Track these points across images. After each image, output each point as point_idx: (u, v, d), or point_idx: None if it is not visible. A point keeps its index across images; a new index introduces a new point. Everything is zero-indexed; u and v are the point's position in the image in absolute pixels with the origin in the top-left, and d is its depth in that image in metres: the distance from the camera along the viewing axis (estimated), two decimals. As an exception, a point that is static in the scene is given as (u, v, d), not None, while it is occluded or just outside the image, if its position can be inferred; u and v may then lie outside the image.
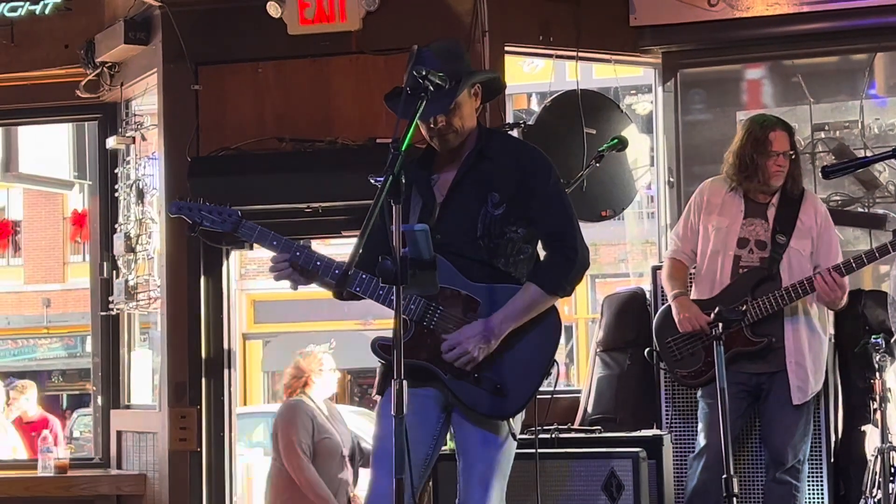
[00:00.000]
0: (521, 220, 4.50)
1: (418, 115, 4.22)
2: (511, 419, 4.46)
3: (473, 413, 4.45)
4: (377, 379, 4.65)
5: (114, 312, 8.09)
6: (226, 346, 7.56)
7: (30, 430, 10.74)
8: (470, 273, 4.43)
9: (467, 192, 4.51)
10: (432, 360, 4.42)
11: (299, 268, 4.50)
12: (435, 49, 4.45)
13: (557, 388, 4.77)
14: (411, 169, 4.18)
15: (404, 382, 3.91)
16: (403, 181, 3.97)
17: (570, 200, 4.62)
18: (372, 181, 4.12)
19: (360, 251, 3.94)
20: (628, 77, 8.57)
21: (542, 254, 4.64)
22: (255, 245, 7.45)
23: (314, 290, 4.84)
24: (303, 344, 7.82)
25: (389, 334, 4.30)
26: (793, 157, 5.99)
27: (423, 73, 4.25)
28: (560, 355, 4.62)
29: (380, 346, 4.48)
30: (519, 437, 4.55)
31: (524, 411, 4.52)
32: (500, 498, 4.50)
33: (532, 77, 11.60)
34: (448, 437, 4.68)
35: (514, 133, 7.18)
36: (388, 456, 4.19)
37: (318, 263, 4.47)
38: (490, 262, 4.48)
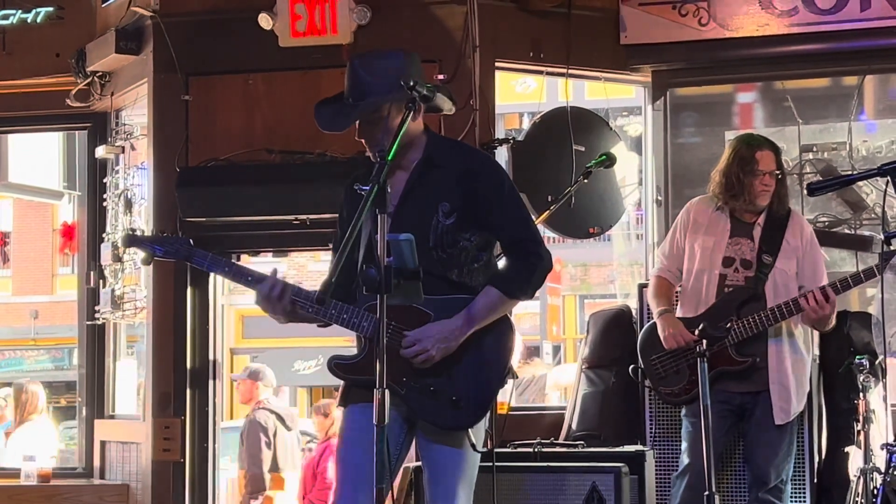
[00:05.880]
0: (474, 228, 4.48)
1: (404, 126, 4.24)
2: (470, 430, 4.45)
3: (433, 427, 4.45)
4: (340, 391, 4.64)
5: (100, 322, 8.08)
6: (211, 357, 7.55)
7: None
8: (423, 286, 4.28)
9: (417, 203, 4.47)
10: (388, 376, 4.36)
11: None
12: (365, 63, 4.47)
13: (544, 405, 4.77)
14: (364, 179, 4.14)
15: (386, 392, 3.91)
16: (389, 191, 3.99)
17: (523, 202, 4.62)
18: (357, 190, 4.12)
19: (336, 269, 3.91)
20: (620, 99, 8.58)
21: (499, 258, 4.62)
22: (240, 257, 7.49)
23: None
24: (291, 359, 7.84)
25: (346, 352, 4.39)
26: (779, 176, 6.00)
27: (412, 83, 4.27)
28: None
29: (336, 366, 4.50)
30: (498, 450, 4.53)
31: (485, 422, 4.51)
32: None
33: (524, 97, 11.61)
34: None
35: (504, 149, 7.20)
36: (354, 467, 4.21)
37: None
38: (443, 274, 4.45)
